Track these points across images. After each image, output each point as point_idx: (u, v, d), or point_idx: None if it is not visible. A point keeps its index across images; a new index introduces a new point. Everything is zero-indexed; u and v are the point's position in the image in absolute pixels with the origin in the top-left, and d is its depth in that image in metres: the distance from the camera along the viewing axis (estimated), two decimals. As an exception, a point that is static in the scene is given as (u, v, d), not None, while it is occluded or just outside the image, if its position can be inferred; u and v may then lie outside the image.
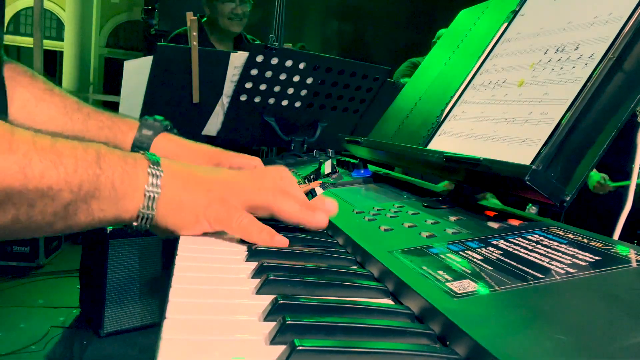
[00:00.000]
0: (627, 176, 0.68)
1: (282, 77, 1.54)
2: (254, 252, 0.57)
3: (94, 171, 0.52)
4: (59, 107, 0.86)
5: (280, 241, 0.60)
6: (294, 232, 0.68)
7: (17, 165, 0.46)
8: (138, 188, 0.55)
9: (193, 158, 0.87)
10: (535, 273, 0.44)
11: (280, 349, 0.36)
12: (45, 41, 4.40)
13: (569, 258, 0.47)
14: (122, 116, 0.90)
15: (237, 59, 1.51)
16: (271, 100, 1.59)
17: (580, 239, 0.52)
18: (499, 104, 0.77)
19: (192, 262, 0.54)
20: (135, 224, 0.57)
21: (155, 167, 0.57)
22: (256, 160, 0.93)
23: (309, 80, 1.58)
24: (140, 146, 0.86)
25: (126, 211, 0.55)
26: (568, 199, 0.58)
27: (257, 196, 0.62)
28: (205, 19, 2.38)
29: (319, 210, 0.64)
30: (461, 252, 0.52)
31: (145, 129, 0.87)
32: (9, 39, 9.50)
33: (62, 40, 9.42)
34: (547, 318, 0.37)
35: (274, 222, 0.63)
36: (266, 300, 0.43)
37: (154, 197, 0.56)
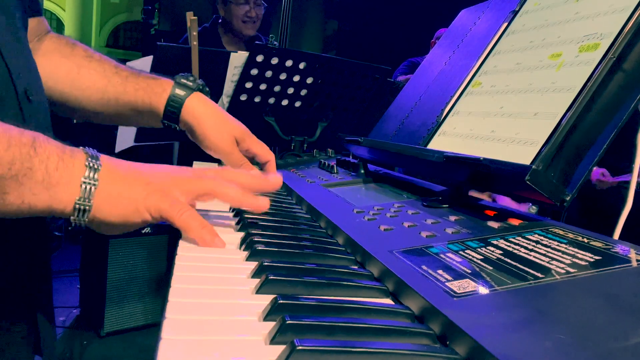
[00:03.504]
0: (627, 176, 0.67)
1: (282, 77, 1.54)
2: (253, 252, 0.57)
3: (28, 152, 0.52)
4: (98, 71, 0.88)
5: (219, 243, 0.60)
6: (296, 232, 0.68)
7: None
8: (73, 179, 0.55)
9: (218, 126, 0.88)
10: (535, 273, 0.44)
11: (280, 348, 0.36)
12: (45, 41, 4.39)
13: (569, 258, 0.47)
14: (156, 77, 0.90)
15: (237, 59, 1.51)
16: (271, 100, 1.59)
17: (580, 238, 0.52)
18: (499, 104, 0.77)
19: (192, 261, 0.54)
20: (72, 218, 0.56)
21: (94, 160, 0.57)
22: (271, 156, 0.94)
23: (309, 80, 1.58)
24: (173, 107, 0.87)
25: (60, 201, 0.55)
26: (568, 198, 0.58)
27: (199, 184, 0.63)
28: (220, 20, 2.40)
29: (260, 197, 0.67)
30: (461, 252, 0.52)
31: (178, 88, 0.88)
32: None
33: (62, 40, 9.41)
34: (547, 318, 0.37)
35: (269, 218, 0.63)
36: (266, 300, 0.43)
37: (90, 189, 0.55)
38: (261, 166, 0.96)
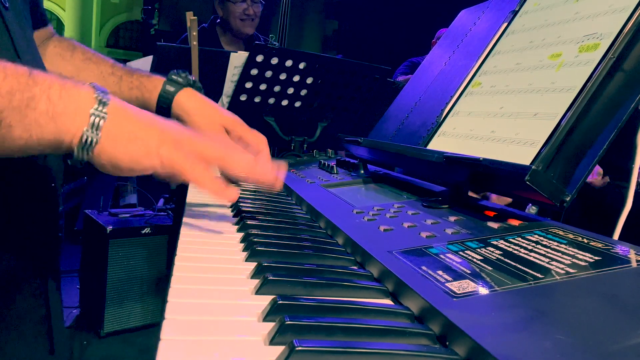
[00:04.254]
0: (627, 174, 0.67)
1: (282, 77, 1.54)
2: (253, 252, 0.57)
3: (26, 81, 0.51)
4: (95, 73, 0.93)
5: (232, 193, 0.61)
6: (296, 232, 0.68)
7: None
8: (80, 109, 0.53)
9: (208, 116, 0.90)
10: (535, 273, 0.44)
11: (280, 349, 0.36)
12: (45, 41, 4.39)
13: (569, 258, 0.47)
14: (149, 75, 0.94)
15: (237, 59, 1.51)
16: (271, 100, 1.59)
17: (580, 239, 0.52)
18: (499, 104, 0.77)
19: (192, 262, 0.54)
20: (76, 150, 0.54)
21: (102, 94, 0.56)
22: (263, 146, 0.94)
23: (309, 80, 1.58)
24: (164, 102, 0.90)
25: (67, 131, 0.53)
26: (568, 199, 0.58)
27: (211, 147, 0.62)
28: (218, 20, 2.39)
29: (271, 168, 0.67)
30: (461, 252, 0.51)
31: (169, 85, 0.91)
32: (9, 39, 9.49)
33: (62, 40, 9.41)
34: (547, 318, 0.37)
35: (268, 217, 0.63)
36: (265, 300, 0.43)
37: (99, 122, 0.54)
38: None
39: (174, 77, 0.92)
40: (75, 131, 0.53)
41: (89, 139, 0.54)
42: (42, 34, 0.92)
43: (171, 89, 0.90)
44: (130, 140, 0.56)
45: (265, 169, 0.65)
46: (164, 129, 0.59)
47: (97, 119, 0.54)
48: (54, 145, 0.54)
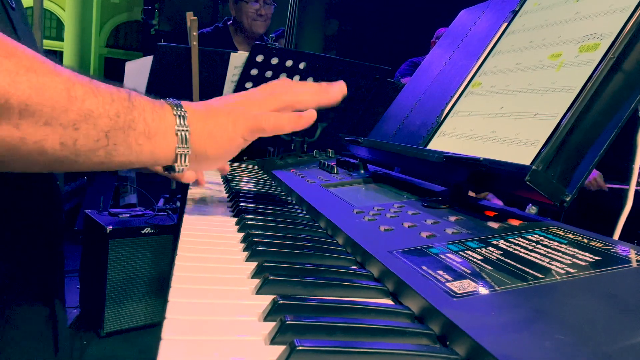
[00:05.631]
0: (627, 175, 0.67)
1: (282, 77, 1.54)
2: (254, 252, 0.57)
3: (128, 105, 0.55)
4: None
5: (308, 115, 0.69)
6: (296, 232, 0.68)
7: (62, 85, 0.49)
8: (168, 128, 0.59)
9: None
10: (535, 273, 0.44)
11: (280, 349, 0.36)
12: (45, 41, 4.40)
13: (569, 258, 0.47)
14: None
15: (237, 59, 1.51)
16: (271, 100, 1.59)
17: (580, 239, 0.52)
18: (499, 104, 0.77)
19: (192, 262, 0.54)
20: (176, 164, 0.60)
21: (179, 109, 0.61)
22: None
23: (309, 81, 1.58)
24: None
25: (161, 149, 0.58)
26: (568, 199, 0.58)
27: (275, 101, 0.68)
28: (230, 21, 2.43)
29: (331, 87, 0.72)
30: (461, 252, 0.52)
31: None
32: (9, 39, 9.50)
33: (62, 40, 9.42)
34: (547, 318, 0.37)
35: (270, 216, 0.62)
36: (266, 300, 0.43)
37: (185, 136, 0.60)
38: None
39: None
40: (169, 150, 0.59)
41: (183, 154, 0.60)
42: None
43: None
44: (212, 137, 0.63)
45: (328, 93, 0.72)
46: (229, 111, 0.65)
47: (182, 134, 0.60)
48: (150, 162, 0.59)
